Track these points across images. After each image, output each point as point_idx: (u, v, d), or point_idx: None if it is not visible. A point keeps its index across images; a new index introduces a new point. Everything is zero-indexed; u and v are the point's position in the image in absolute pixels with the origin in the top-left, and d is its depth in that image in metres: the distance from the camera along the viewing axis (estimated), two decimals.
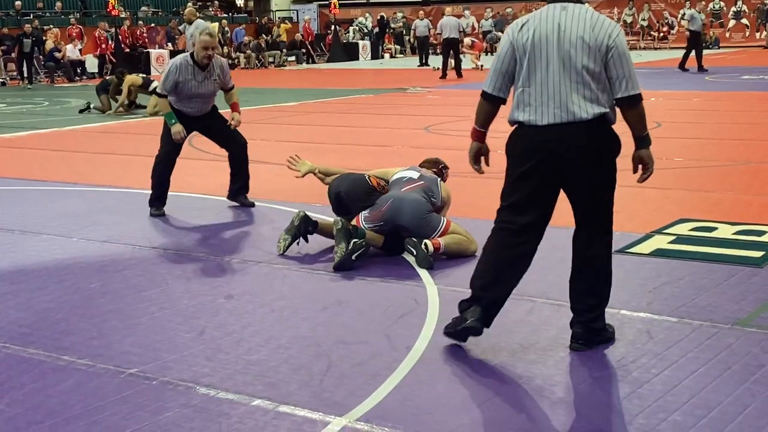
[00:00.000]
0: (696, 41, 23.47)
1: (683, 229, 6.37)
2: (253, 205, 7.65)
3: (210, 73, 7.38)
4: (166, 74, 7.34)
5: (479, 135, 4.41)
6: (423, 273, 5.55)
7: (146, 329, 4.68)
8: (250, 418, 3.57)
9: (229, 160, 7.77)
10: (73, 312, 5.03)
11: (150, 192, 7.54)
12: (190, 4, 18.94)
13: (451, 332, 4.29)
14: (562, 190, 4.24)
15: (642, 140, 4.22)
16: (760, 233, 6.21)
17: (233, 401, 3.73)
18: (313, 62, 34.61)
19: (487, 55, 31.80)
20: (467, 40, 26.56)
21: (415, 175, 6.23)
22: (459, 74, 23.04)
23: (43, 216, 7.66)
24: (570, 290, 4.33)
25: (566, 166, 4.09)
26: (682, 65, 23.61)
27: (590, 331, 4.24)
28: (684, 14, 29.36)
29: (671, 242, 6.08)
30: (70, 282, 5.65)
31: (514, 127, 4.24)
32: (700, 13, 26.59)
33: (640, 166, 4.29)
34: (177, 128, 7.36)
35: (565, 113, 4.05)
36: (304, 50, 34.78)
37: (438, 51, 23.75)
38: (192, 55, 7.36)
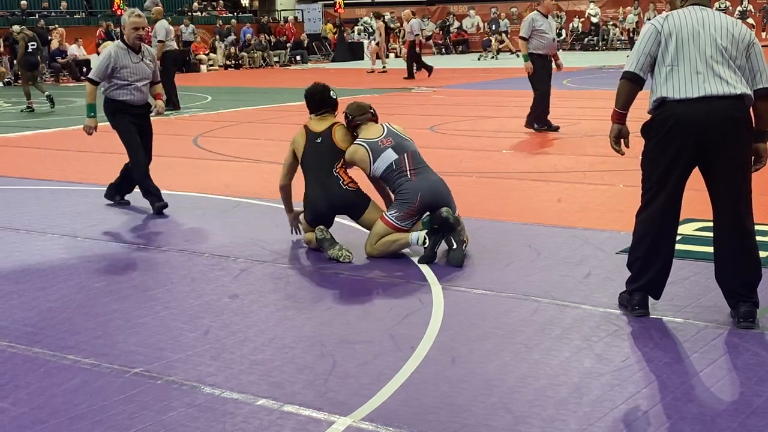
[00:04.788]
0: None
1: (688, 229, 6.36)
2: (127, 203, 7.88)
3: (143, 56, 7.64)
4: (101, 61, 7.56)
5: (620, 117, 4.60)
6: (428, 273, 5.55)
7: (151, 329, 4.68)
8: (255, 417, 3.57)
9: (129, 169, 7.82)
10: (77, 311, 5.04)
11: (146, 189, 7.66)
12: (158, 2, 18.96)
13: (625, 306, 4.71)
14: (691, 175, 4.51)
15: (764, 134, 4.51)
16: (766, 233, 6.19)
17: (238, 401, 3.73)
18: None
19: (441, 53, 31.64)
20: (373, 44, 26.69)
21: (392, 155, 5.96)
22: (428, 72, 23.04)
23: (48, 215, 7.67)
24: (722, 272, 4.53)
25: (714, 140, 4.33)
26: None
27: (756, 307, 4.47)
28: None
29: (676, 242, 6.06)
30: (75, 281, 5.66)
31: (655, 109, 4.45)
32: None
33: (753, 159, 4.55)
34: (91, 122, 7.64)
35: (717, 87, 4.31)
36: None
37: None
38: (123, 40, 7.65)
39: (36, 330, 4.70)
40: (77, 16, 31.93)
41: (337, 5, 36.02)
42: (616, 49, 34.28)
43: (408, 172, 5.96)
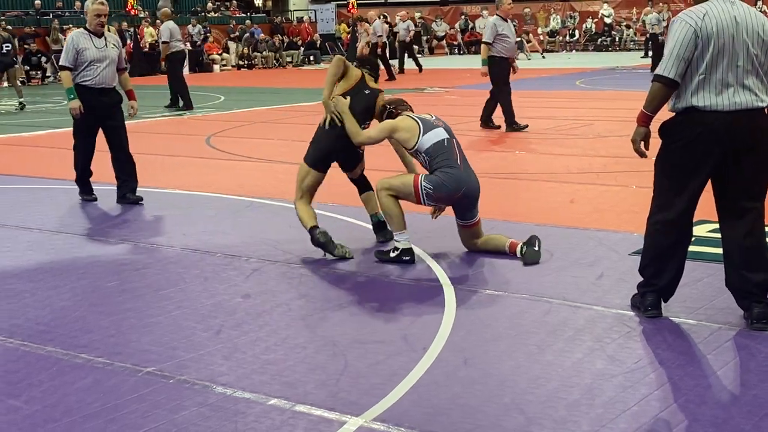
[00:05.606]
0: None
1: (702, 230, 6.33)
2: (141, 200, 8.02)
3: (106, 41, 7.95)
4: (66, 47, 7.88)
5: (648, 120, 4.56)
6: (440, 273, 5.55)
7: (164, 328, 4.69)
8: (267, 417, 3.58)
9: (112, 159, 8.14)
10: (91, 310, 5.05)
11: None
12: (162, 4, 19.14)
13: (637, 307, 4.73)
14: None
15: None
16: None
17: (250, 400, 3.74)
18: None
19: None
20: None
21: (444, 134, 5.94)
22: (390, 77, 23.01)
23: (61, 215, 7.70)
24: (733, 275, 4.52)
25: (738, 151, 4.34)
26: None
27: None
28: None
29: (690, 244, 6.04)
30: (88, 280, 5.67)
31: (679, 114, 4.43)
32: None
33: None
34: (74, 104, 7.82)
35: (746, 100, 4.32)
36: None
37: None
38: (86, 27, 7.98)
39: (49, 329, 4.72)
40: None
41: (350, 5, 36.02)
42: (630, 50, 34.18)
43: (458, 159, 5.87)
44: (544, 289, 5.19)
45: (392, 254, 5.80)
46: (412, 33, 28.33)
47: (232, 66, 31.50)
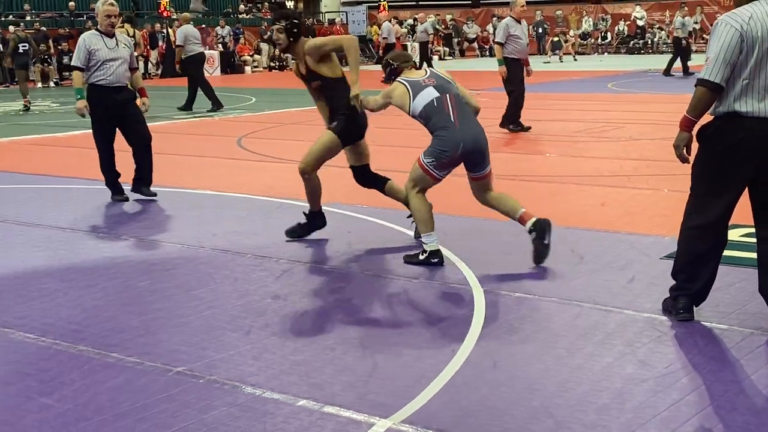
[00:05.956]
0: None
1: (735, 234, 6.26)
2: (155, 194, 8.25)
3: (118, 42, 8.11)
4: (78, 48, 8.06)
5: (691, 125, 4.50)
6: (470, 276, 5.53)
7: (194, 328, 4.72)
8: (295, 418, 3.59)
9: (133, 154, 8.28)
10: (122, 310, 5.09)
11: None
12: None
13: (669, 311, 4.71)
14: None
15: None
16: None
17: (278, 401, 3.75)
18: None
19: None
20: None
21: (433, 92, 5.81)
22: None
23: (94, 215, 7.77)
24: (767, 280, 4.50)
25: None
26: None
27: None
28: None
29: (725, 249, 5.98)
30: (119, 280, 5.72)
31: (719, 119, 4.39)
32: None
33: None
34: (80, 104, 8.06)
35: None
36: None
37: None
38: (97, 28, 8.19)
39: (81, 328, 4.77)
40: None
41: (381, 7, 36.09)
42: (662, 53, 33.90)
43: (451, 115, 5.78)
44: (574, 292, 5.16)
45: (420, 257, 5.79)
46: (431, 36, 28.39)
47: (264, 67, 31.64)
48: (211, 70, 29.32)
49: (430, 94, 5.81)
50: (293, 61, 6.71)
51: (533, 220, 5.77)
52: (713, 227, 4.47)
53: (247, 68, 30.62)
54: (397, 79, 5.99)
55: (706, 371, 3.99)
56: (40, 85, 25.50)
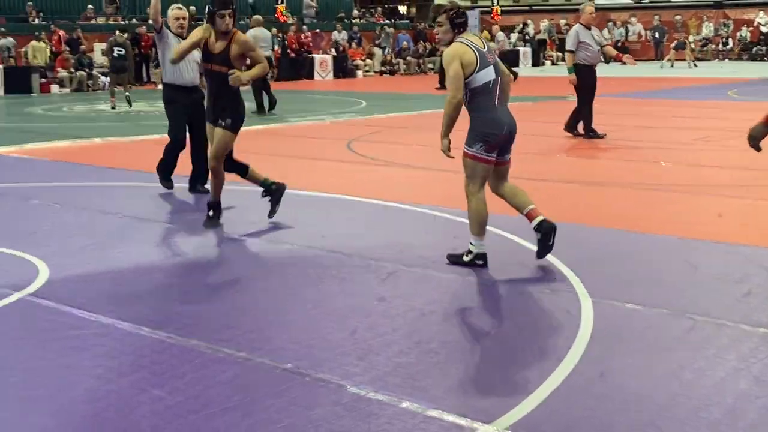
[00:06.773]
0: None
1: None
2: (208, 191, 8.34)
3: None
4: (161, 49, 8.66)
5: None
6: (578, 285, 5.45)
7: (301, 326, 4.79)
8: (399, 420, 3.60)
9: (191, 149, 8.78)
10: (233, 306, 5.21)
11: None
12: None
13: None
14: None
15: None
16: None
17: (382, 402, 3.77)
18: None
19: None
20: None
21: (492, 74, 5.73)
22: None
23: (204, 215, 7.97)
24: None
25: None
26: None
27: None
28: None
29: None
30: (231, 277, 5.86)
31: None
32: None
33: None
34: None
35: None
36: None
37: None
38: (171, 30, 8.69)
39: (193, 322, 4.90)
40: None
41: (494, 12, 35.90)
42: None
43: (496, 98, 5.77)
44: (687, 304, 5.03)
45: (465, 258, 5.83)
46: (504, 43, 28.15)
47: (375, 72, 31.89)
48: (324, 74, 29.75)
49: (489, 74, 5.76)
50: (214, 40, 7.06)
51: (539, 219, 5.83)
52: None
53: (359, 72, 30.92)
54: (462, 41, 5.82)
55: None
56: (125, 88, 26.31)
